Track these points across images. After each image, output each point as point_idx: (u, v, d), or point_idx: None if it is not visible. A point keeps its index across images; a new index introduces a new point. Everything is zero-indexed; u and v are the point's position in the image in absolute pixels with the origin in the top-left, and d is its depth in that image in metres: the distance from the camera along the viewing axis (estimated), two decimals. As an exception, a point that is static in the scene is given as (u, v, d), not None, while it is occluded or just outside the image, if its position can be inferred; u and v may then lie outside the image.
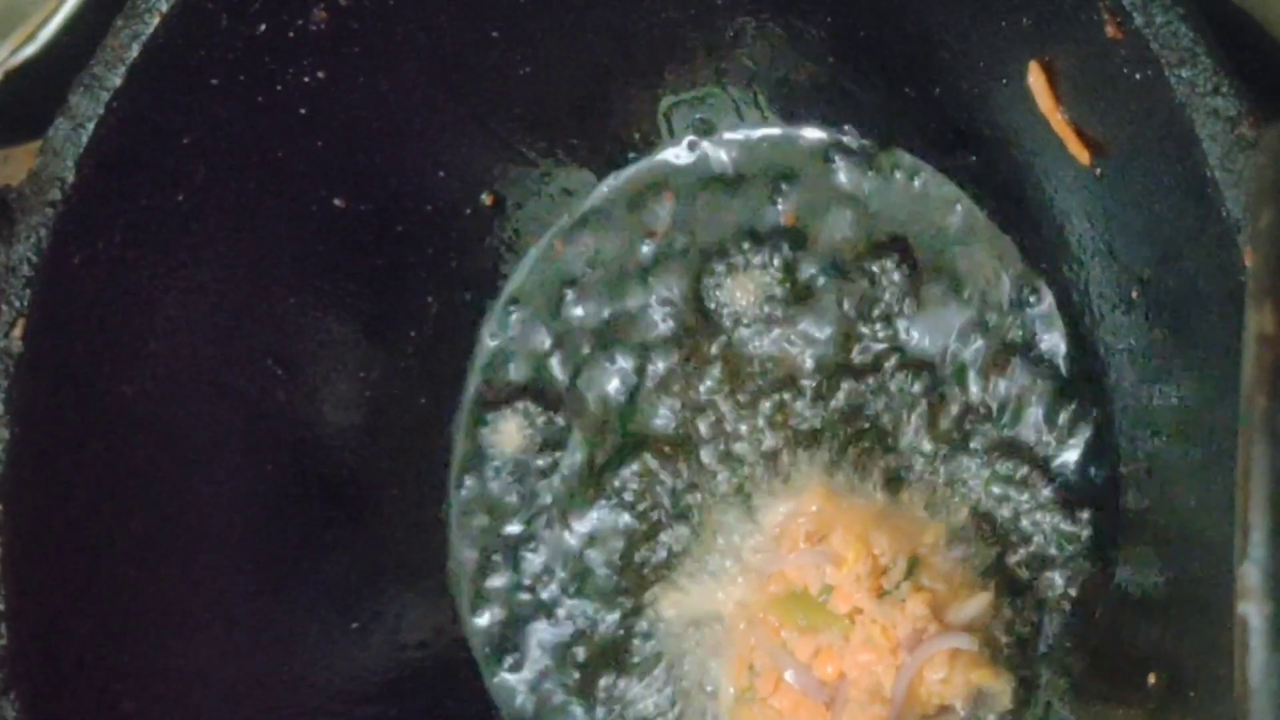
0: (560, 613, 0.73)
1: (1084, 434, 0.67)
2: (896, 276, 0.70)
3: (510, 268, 0.76)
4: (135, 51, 0.57)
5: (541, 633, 0.73)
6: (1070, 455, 0.67)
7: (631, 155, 0.76)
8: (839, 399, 0.70)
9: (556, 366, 0.75)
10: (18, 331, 0.56)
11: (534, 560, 0.74)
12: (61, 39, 0.63)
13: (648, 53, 0.71)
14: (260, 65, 0.62)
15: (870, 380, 0.69)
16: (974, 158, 0.69)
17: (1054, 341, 0.68)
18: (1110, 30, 0.51)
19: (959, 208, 0.70)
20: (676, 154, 0.75)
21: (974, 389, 0.68)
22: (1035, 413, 0.67)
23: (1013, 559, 0.67)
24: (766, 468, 0.70)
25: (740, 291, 0.71)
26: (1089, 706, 0.64)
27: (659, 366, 0.73)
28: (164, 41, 0.58)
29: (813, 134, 0.73)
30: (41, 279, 0.57)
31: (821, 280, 0.71)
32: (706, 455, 0.71)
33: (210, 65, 0.60)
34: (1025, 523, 0.67)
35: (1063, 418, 0.67)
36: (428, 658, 0.73)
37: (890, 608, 0.63)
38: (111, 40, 0.57)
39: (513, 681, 0.73)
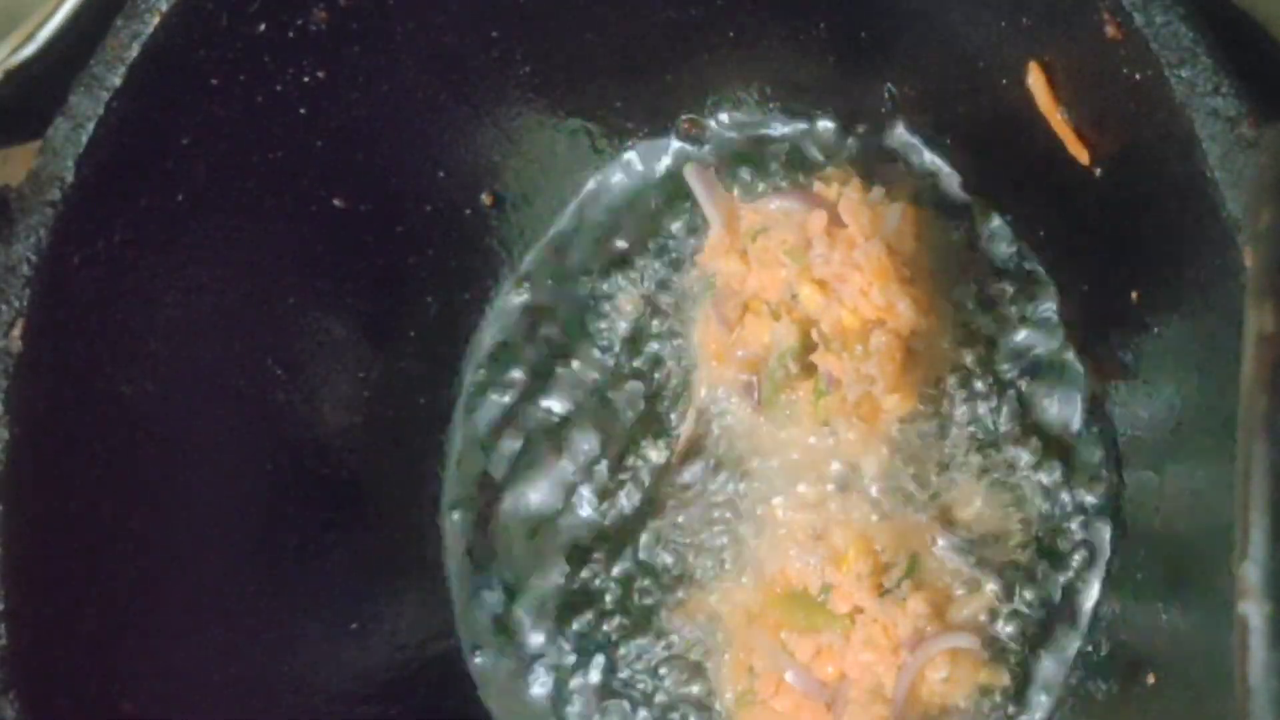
0: (559, 613, 0.73)
1: (1084, 434, 0.67)
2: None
3: (510, 268, 0.76)
4: (135, 51, 0.57)
5: (540, 632, 0.73)
6: (1070, 455, 0.67)
7: (631, 154, 0.76)
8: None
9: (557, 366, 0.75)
10: (17, 331, 0.56)
11: (533, 559, 0.74)
12: (61, 39, 0.63)
13: (648, 52, 0.71)
14: (260, 65, 0.62)
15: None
16: (973, 157, 0.69)
17: (1055, 345, 0.68)
18: (1110, 30, 0.52)
19: (960, 211, 0.70)
20: (676, 152, 0.75)
21: (975, 390, 0.68)
22: (1035, 413, 0.67)
23: (1013, 558, 0.67)
24: (766, 466, 0.70)
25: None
26: (1089, 706, 0.64)
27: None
28: (164, 41, 0.58)
29: (812, 133, 0.73)
30: (41, 279, 0.57)
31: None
32: (706, 453, 0.72)
33: (210, 65, 0.60)
34: (1026, 522, 0.67)
35: (1063, 419, 0.67)
36: (427, 658, 0.73)
37: (891, 607, 0.63)
38: (111, 40, 0.57)
39: (511, 681, 0.73)
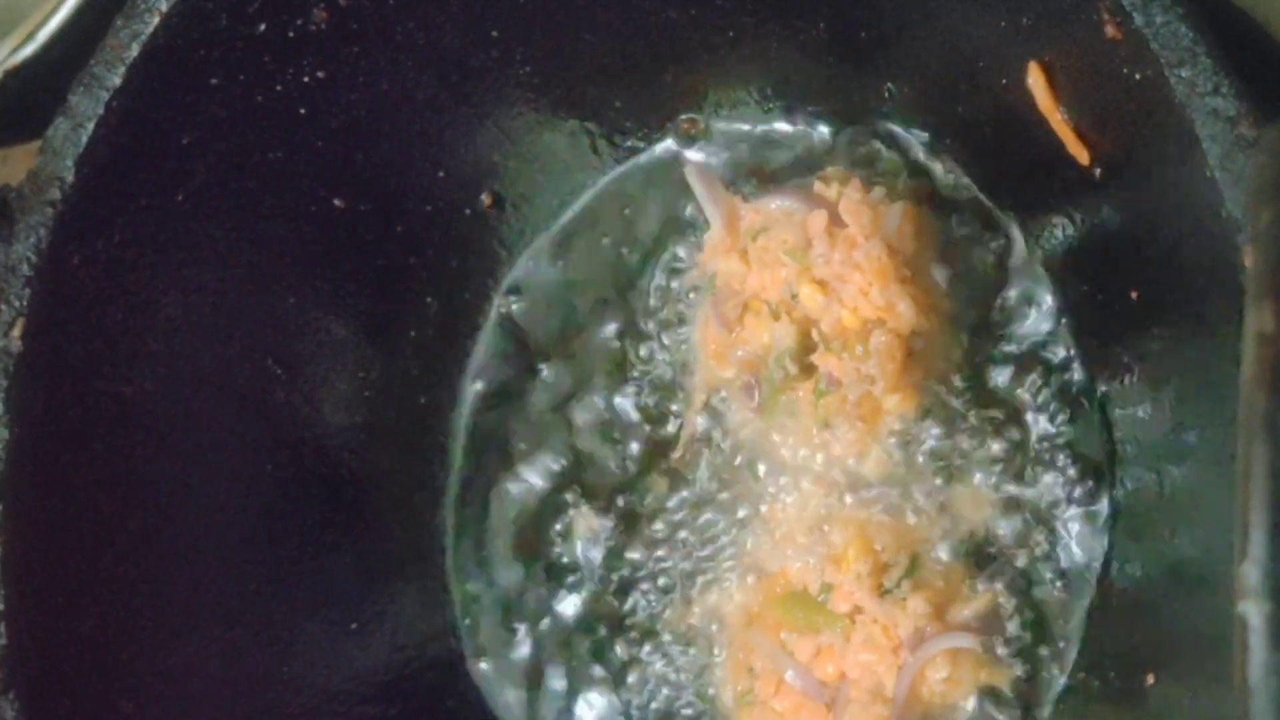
0: (559, 613, 0.73)
1: (1084, 434, 0.67)
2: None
3: (510, 268, 0.76)
4: (135, 51, 0.57)
5: (540, 633, 0.73)
6: (1071, 455, 0.67)
7: (631, 153, 0.76)
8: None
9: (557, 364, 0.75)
10: (17, 331, 0.56)
11: (534, 559, 0.74)
12: (61, 39, 0.63)
13: (648, 52, 0.71)
14: (260, 65, 0.62)
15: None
16: (973, 157, 0.69)
17: (1055, 345, 0.68)
18: (1110, 30, 0.52)
19: (961, 211, 0.70)
20: (677, 152, 0.75)
21: (975, 390, 0.68)
22: (1034, 413, 0.67)
23: (1013, 557, 0.67)
24: (766, 467, 0.70)
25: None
26: (1089, 706, 0.64)
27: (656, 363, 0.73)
28: (164, 41, 0.58)
29: (812, 133, 0.73)
30: (41, 279, 0.57)
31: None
32: (706, 454, 0.71)
33: (210, 65, 0.60)
34: (1026, 521, 0.67)
35: (1063, 419, 0.67)
36: (427, 658, 0.73)
37: (891, 607, 0.63)
38: (111, 40, 0.57)
39: (510, 682, 0.73)
